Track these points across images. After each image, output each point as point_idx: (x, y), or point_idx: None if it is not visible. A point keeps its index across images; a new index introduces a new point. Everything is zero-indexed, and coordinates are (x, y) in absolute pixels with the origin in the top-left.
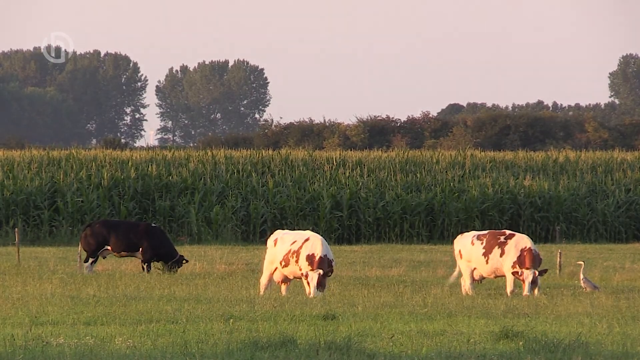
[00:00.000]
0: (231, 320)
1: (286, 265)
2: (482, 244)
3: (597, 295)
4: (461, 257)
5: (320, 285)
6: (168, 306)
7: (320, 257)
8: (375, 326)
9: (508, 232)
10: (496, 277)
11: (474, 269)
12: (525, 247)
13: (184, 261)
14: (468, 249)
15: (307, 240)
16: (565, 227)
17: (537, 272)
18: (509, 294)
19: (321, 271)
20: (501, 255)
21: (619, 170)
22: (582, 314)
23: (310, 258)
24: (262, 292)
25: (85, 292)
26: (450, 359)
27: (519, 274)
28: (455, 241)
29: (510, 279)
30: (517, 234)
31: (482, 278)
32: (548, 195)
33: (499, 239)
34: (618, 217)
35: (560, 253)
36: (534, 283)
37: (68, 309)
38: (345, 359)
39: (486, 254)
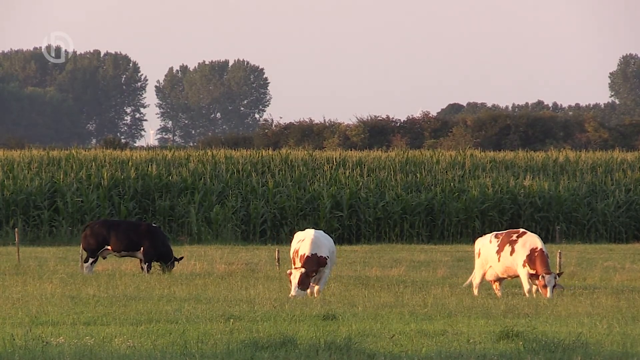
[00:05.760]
0: (231, 320)
1: (294, 263)
2: (497, 242)
3: (597, 296)
4: (479, 256)
5: (302, 284)
6: (168, 306)
7: (308, 256)
8: (375, 326)
9: (522, 230)
10: (510, 277)
11: (489, 267)
12: (536, 248)
13: (178, 260)
14: (487, 248)
15: (303, 239)
16: (565, 227)
17: (557, 277)
18: (526, 294)
19: (303, 270)
20: (511, 253)
21: (619, 170)
22: (582, 314)
23: (301, 257)
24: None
25: (85, 292)
26: (450, 359)
27: (539, 279)
28: (477, 241)
29: (525, 279)
30: (528, 233)
31: (499, 279)
32: (548, 195)
33: (512, 236)
34: (618, 217)
35: (560, 253)
36: (554, 287)
37: (68, 309)
38: (345, 359)
39: (499, 251)
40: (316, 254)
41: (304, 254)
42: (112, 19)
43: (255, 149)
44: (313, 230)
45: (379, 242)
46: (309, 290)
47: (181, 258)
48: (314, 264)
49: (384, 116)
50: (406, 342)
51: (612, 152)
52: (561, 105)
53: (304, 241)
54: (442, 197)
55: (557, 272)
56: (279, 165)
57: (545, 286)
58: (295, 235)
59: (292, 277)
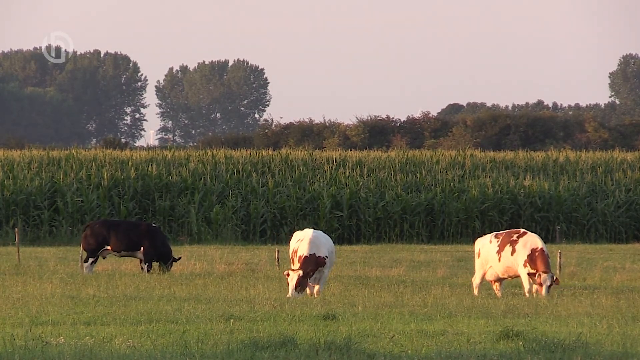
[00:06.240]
0: (231, 320)
1: (293, 263)
2: (497, 242)
3: (597, 296)
4: (479, 256)
5: (300, 285)
6: (168, 306)
7: (306, 257)
8: (375, 326)
9: (522, 230)
10: (510, 277)
11: (489, 267)
12: (537, 248)
13: (176, 260)
14: (487, 248)
15: (301, 239)
16: (565, 227)
17: (555, 277)
18: (526, 294)
19: (301, 272)
20: (512, 253)
21: (619, 170)
22: (582, 314)
23: (299, 258)
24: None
25: (85, 292)
26: (450, 359)
27: (536, 276)
28: (477, 241)
29: (525, 279)
30: (529, 233)
31: (499, 279)
32: (548, 195)
33: (512, 237)
34: (618, 217)
35: (560, 253)
36: (550, 286)
37: (68, 309)
38: (345, 359)
39: (499, 251)
40: (314, 254)
41: (302, 255)
42: (112, 19)
43: (255, 149)
44: (312, 230)
45: (379, 242)
46: (308, 290)
47: (179, 258)
48: (312, 264)
49: (384, 116)
50: (406, 342)
51: (612, 152)
52: (561, 105)
53: (302, 241)
54: (442, 197)
55: (557, 274)
56: (279, 165)
57: (541, 284)
58: (294, 235)
59: (289, 279)
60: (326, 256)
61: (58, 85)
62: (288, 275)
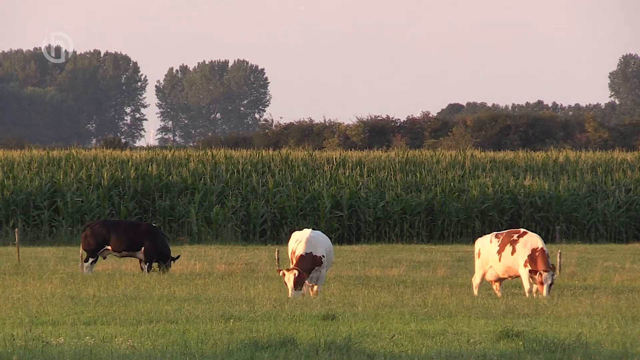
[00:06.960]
0: (231, 320)
1: (292, 263)
2: (498, 242)
3: (597, 296)
4: (479, 256)
5: (298, 284)
6: (168, 306)
7: (302, 255)
8: (375, 326)
9: (522, 230)
10: (510, 277)
11: (490, 267)
12: (537, 248)
13: (174, 260)
14: (487, 248)
15: (300, 240)
16: (565, 227)
17: (555, 276)
18: (526, 294)
19: (296, 272)
20: (512, 253)
21: (619, 170)
22: (582, 314)
23: (297, 257)
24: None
25: (85, 292)
26: (450, 359)
27: (537, 275)
28: (477, 241)
29: (525, 278)
30: (529, 233)
31: (499, 279)
32: (548, 195)
33: (512, 236)
34: (618, 217)
35: (560, 253)
36: (551, 285)
37: (68, 309)
38: (345, 359)
39: (500, 251)
40: (311, 253)
41: (299, 254)
42: (112, 19)
43: (255, 149)
44: (310, 230)
45: (379, 242)
46: (305, 289)
47: (178, 257)
48: (309, 263)
49: (384, 116)
50: (406, 342)
51: (612, 152)
52: (561, 105)
53: (300, 241)
54: (442, 197)
55: (557, 274)
56: (279, 165)
57: (542, 283)
58: (293, 235)
59: (286, 279)
60: (323, 255)
61: (58, 85)
62: (284, 275)
